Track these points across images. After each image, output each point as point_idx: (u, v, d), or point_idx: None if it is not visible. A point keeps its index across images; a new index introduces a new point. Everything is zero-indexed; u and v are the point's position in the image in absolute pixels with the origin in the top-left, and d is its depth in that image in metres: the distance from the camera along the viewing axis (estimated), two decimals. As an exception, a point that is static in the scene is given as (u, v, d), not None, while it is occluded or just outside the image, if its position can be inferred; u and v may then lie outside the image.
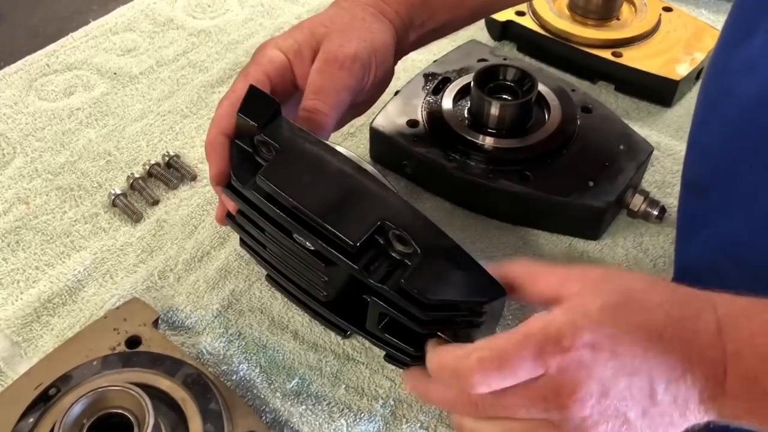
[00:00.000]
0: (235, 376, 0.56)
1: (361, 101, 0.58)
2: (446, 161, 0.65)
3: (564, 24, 0.81)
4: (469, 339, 0.44)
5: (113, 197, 0.68)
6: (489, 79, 0.66)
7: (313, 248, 0.49)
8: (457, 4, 0.61)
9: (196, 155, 0.73)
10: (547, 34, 0.82)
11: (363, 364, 0.57)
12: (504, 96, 0.66)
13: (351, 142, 0.74)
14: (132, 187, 0.69)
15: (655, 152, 0.69)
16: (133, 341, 0.54)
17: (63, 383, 0.51)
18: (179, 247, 0.65)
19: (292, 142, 0.48)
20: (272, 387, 0.56)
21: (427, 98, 0.70)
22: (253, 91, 0.50)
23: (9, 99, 0.78)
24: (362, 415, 0.55)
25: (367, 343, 0.58)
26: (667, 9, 0.83)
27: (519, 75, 0.67)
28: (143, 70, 0.82)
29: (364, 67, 0.54)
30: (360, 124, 0.74)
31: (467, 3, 0.62)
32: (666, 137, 0.75)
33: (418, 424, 0.54)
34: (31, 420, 0.49)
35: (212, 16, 0.90)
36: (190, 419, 0.49)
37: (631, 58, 0.78)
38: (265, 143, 0.49)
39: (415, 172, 0.69)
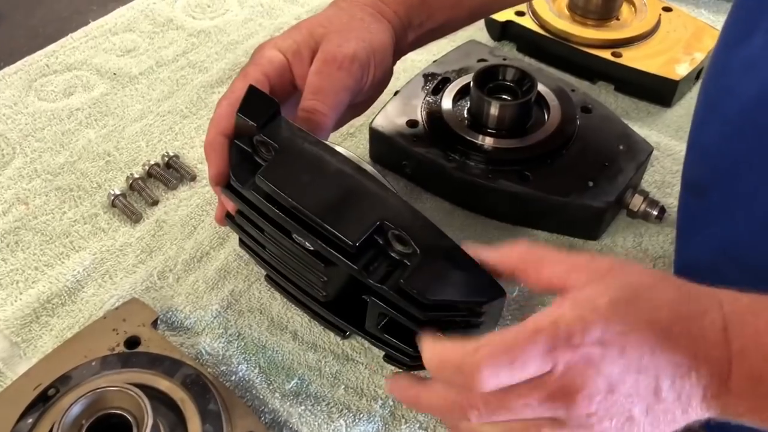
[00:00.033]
0: (234, 377, 0.56)
1: (360, 101, 0.58)
2: (446, 161, 0.65)
3: (564, 24, 0.81)
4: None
5: (112, 198, 0.68)
6: (488, 80, 0.66)
7: (312, 248, 0.49)
8: (455, 4, 0.61)
9: (196, 155, 0.73)
10: (547, 35, 0.82)
11: (362, 364, 0.57)
12: (503, 96, 0.66)
13: (350, 143, 0.74)
14: (131, 187, 0.69)
15: (654, 152, 0.69)
16: (132, 342, 0.54)
17: (62, 384, 0.51)
18: (178, 247, 0.65)
19: (292, 142, 0.48)
20: (271, 387, 0.56)
21: (427, 98, 0.70)
22: (252, 91, 0.50)
23: (9, 99, 0.78)
24: (361, 415, 0.54)
25: (367, 344, 0.58)
26: (667, 9, 0.83)
27: (518, 75, 0.67)
28: (143, 71, 0.82)
29: (362, 68, 0.54)
30: (359, 125, 0.74)
31: (466, 3, 0.62)
32: (666, 137, 0.75)
33: (417, 425, 0.54)
34: (30, 420, 0.49)
35: (212, 17, 0.90)
36: (189, 420, 0.49)
37: (631, 58, 0.78)
38: (265, 143, 0.49)
39: (415, 173, 0.69)
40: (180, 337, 0.58)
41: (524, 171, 0.64)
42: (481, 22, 0.86)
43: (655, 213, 0.65)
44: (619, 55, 0.78)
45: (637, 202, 0.65)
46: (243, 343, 0.58)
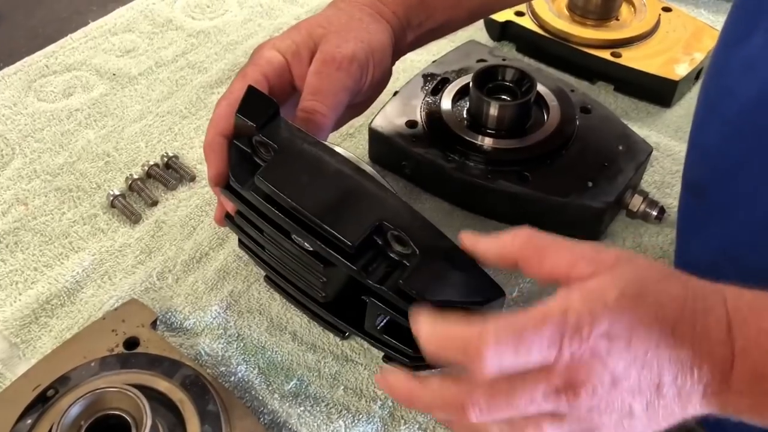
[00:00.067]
0: (233, 377, 0.56)
1: (359, 102, 0.58)
2: (445, 162, 0.65)
3: (563, 24, 0.81)
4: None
5: (112, 198, 0.67)
6: (488, 80, 0.66)
7: (311, 249, 0.49)
8: (455, 4, 0.61)
9: (195, 156, 0.73)
10: (546, 35, 0.82)
11: (362, 365, 0.57)
12: (503, 96, 0.66)
13: (350, 143, 0.74)
14: (131, 188, 0.69)
15: (654, 152, 0.69)
16: (132, 342, 0.54)
17: (61, 384, 0.51)
18: (178, 248, 0.65)
19: (291, 142, 0.48)
20: (270, 388, 0.56)
21: (426, 99, 0.70)
22: (251, 91, 0.50)
23: (8, 100, 0.78)
24: (360, 416, 0.54)
25: (366, 344, 0.58)
26: (667, 9, 0.83)
27: (518, 75, 0.66)
28: (142, 71, 0.82)
29: (361, 68, 0.54)
30: (359, 125, 0.74)
31: (465, 3, 0.62)
32: (665, 137, 0.75)
33: (416, 425, 0.54)
34: (29, 421, 0.49)
35: (211, 17, 0.90)
36: (188, 421, 0.49)
37: (631, 58, 0.78)
38: (264, 144, 0.49)
39: (414, 173, 0.69)
40: (179, 338, 0.58)
41: (523, 171, 0.64)
42: (481, 23, 0.86)
43: (654, 213, 0.65)
44: (618, 56, 0.78)
45: (636, 203, 0.65)
46: (242, 344, 0.58)
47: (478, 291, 0.45)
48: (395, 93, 0.71)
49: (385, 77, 0.59)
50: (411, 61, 0.79)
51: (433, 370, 0.48)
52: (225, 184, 0.52)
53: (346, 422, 0.54)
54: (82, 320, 0.59)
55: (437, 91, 0.70)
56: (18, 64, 0.82)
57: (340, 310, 0.55)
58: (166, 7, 0.91)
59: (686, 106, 0.79)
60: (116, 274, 0.63)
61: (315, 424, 0.54)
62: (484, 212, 0.67)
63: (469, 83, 0.67)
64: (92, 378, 0.51)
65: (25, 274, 0.63)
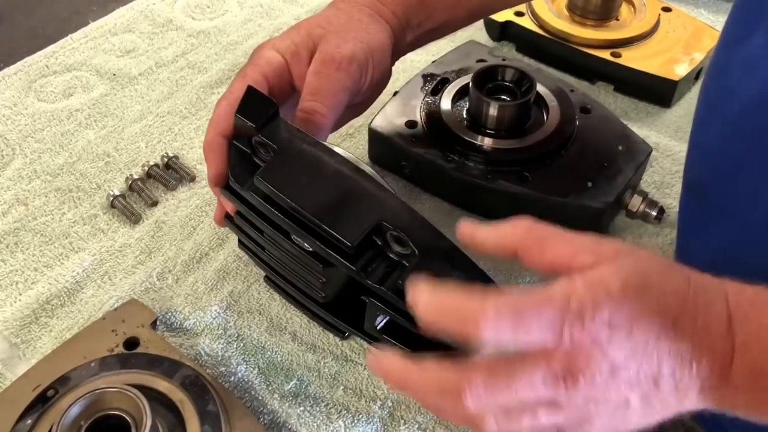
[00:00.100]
0: (233, 378, 0.56)
1: (358, 102, 0.58)
2: (445, 162, 0.65)
3: (563, 24, 0.81)
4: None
5: (112, 198, 0.68)
6: (487, 80, 0.66)
7: (310, 249, 0.49)
8: (454, 4, 0.61)
9: (195, 156, 0.73)
10: (546, 35, 0.82)
11: (361, 365, 0.57)
12: (502, 97, 0.66)
13: (350, 143, 0.74)
14: (131, 188, 0.69)
15: (654, 153, 0.69)
16: (131, 343, 0.54)
17: (61, 385, 0.51)
18: (178, 248, 0.65)
19: (290, 143, 0.48)
20: (270, 388, 0.56)
21: (426, 99, 0.70)
22: (250, 92, 0.50)
23: (8, 100, 0.78)
24: (360, 416, 0.54)
25: (366, 345, 0.58)
26: (666, 9, 0.83)
27: (517, 75, 0.66)
28: (142, 71, 0.82)
29: (360, 68, 0.54)
30: (359, 125, 0.74)
31: (465, 4, 0.62)
32: (665, 138, 0.75)
33: (416, 426, 0.54)
34: (29, 421, 0.49)
35: (211, 17, 0.90)
36: (187, 421, 0.49)
37: (630, 58, 0.78)
38: (263, 144, 0.49)
39: (414, 173, 0.69)
40: (179, 338, 0.58)
41: (523, 171, 0.64)
42: (481, 23, 0.86)
43: (654, 213, 0.65)
44: (618, 56, 0.78)
45: (636, 203, 0.65)
46: (242, 344, 0.58)
47: (478, 291, 0.45)
48: (395, 93, 0.71)
49: (385, 77, 0.59)
50: (411, 61, 0.79)
51: None
52: (224, 185, 0.52)
53: (346, 422, 0.54)
54: (82, 320, 0.59)
55: (437, 91, 0.70)
56: (18, 64, 0.82)
57: (340, 311, 0.55)
58: (166, 7, 0.91)
59: (686, 106, 0.79)
60: (116, 275, 0.63)
61: (315, 424, 0.54)
62: (483, 212, 0.67)
63: (468, 83, 0.67)
64: (92, 378, 0.51)
65: (25, 274, 0.63)
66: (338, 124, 0.58)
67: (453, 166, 0.65)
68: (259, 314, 0.60)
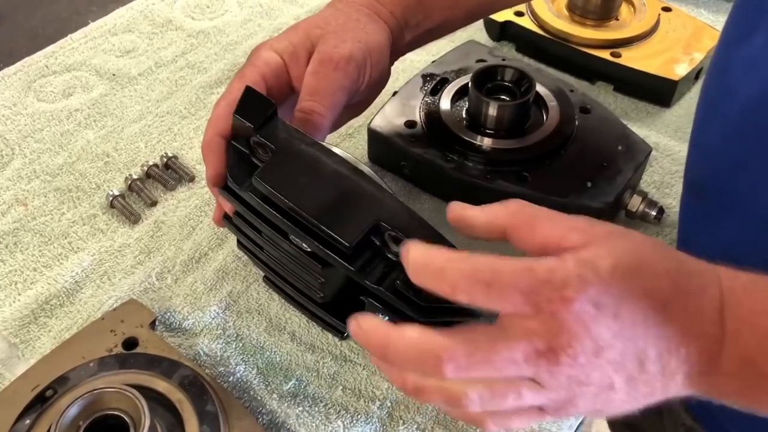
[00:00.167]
0: (232, 378, 0.56)
1: (357, 102, 0.58)
2: (444, 162, 0.65)
3: (563, 24, 0.81)
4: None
5: (111, 198, 0.68)
6: (487, 80, 0.66)
7: (309, 250, 0.49)
8: (452, 4, 0.61)
9: (195, 156, 0.73)
10: (546, 35, 0.81)
11: (360, 365, 0.57)
12: (502, 97, 0.66)
13: (349, 143, 0.74)
14: (130, 188, 0.69)
15: (653, 153, 0.69)
16: (130, 343, 0.54)
17: (60, 385, 0.51)
18: (177, 248, 0.65)
19: (288, 143, 0.48)
20: (269, 388, 0.56)
21: (425, 99, 0.70)
22: (249, 92, 0.50)
23: (8, 100, 0.78)
24: (359, 416, 0.54)
25: (365, 345, 0.58)
26: (666, 9, 0.83)
27: (517, 75, 0.66)
28: (142, 71, 0.82)
29: (359, 68, 0.54)
30: (358, 125, 0.74)
31: (463, 4, 0.62)
32: (665, 138, 0.75)
33: (415, 426, 0.54)
34: (28, 422, 0.49)
35: (211, 17, 0.90)
36: (186, 421, 0.49)
37: (630, 58, 0.78)
38: (262, 144, 0.49)
39: (413, 173, 0.69)
40: (178, 338, 0.58)
41: (522, 172, 0.64)
42: (480, 23, 0.86)
43: (653, 213, 0.65)
44: (618, 55, 0.78)
45: (635, 203, 0.65)
46: (241, 344, 0.58)
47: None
48: (394, 93, 0.71)
49: (383, 77, 0.59)
50: (410, 61, 0.79)
51: None
52: (223, 185, 0.52)
53: (345, 422, 0.54)
54: (81, 320, 0.59)
55: (436, 91, 0.70)
56: (18, 64, 0.83)
57: (339, 311, 0.55)
58: (166, 7, 0.91)
59: (686, 106, 0.79)
60: (115, 275, 0.63)
61: (313, 424, 0.54)
62: (483, 212, 0.67)
63: (468, 83, 0.66)
64: (91, 378, 0.51)
65: (24, 274, 0.63)
66: (337, 124, 0.58)
67: (452, 166, 0.65)
68: (258, 314, 0.60)
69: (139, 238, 0.66)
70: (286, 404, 0.55)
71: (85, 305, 0.61)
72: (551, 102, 0.68)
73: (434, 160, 0.66)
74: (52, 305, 0.61)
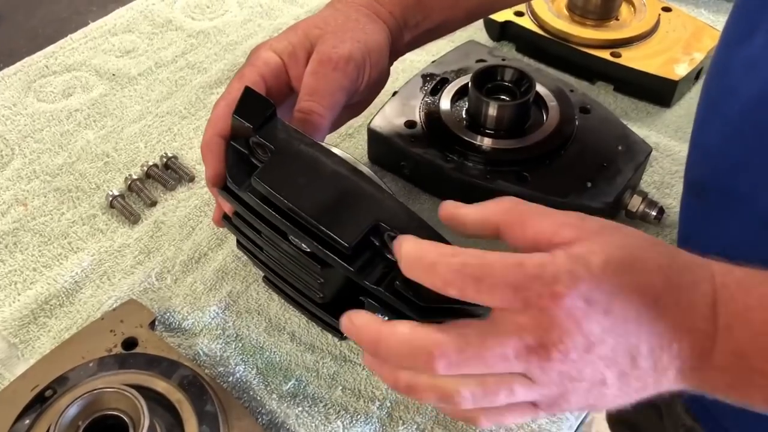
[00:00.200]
0: (231, 378, 0.56)
1: (356, 102, 0.58)
2: (444, 162, 0.65)
3: (563, 24, 0.81)
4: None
5: (111, 198, 0.68)
6: (487, 80, 0.66)
7: (308, 250, 0.49)
8: (452, 4, 0.61)
9: (194, 156, 0.73)
10: (546, 35, 0.81)
11: (360, 365, 0.57)
12: (502, 97, 0.66)
13: (349, 143, 0.74)
14: (130, 188, 0.69)
15: (653, 153, 0.69)
16: (130, 343, 0.54)
17: (59, 385, 0.51)
18: (177, 248, 0.65)
19: (288, 143, 0.48)
20: (269, 389, 0.56)
21: (425, 99, 0.70)
22: (248, 92, 0.50)
23: (8, 100, 0.78)
24: (359, 416, 0.54)
25: (364, 345, 0.58)
26: (667, 9, 0.83)
27: (517, 75, 0.66)
28: (142, 72, 0.82)
29: (358, 68, 0.54)
30: (358, 125, 0.74)
31: (462, 4, 0.62)
32: (665, 138, 0.75)
33: (414, 426, 0.54)
34: (27, 422, 0.49)
35: (211, 18, 0.90)
36: (186, 421, 0.49)
37: (630, 58, 0.78)
38: (261, 145, 0.49)
39: (413, 173, 0.69)
40: (177, 338, 0.58)
41: (522, 172, 0.64)
42: (480, 23, 0.86)
43: (653, 213, 0.65)
44: (618, 56, 0.78)
45: (635, 203, 0.65)
46: (241, 344, 0.58)
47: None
48: (394, 93, 0.71)
49: (383, 77, 0.59)
50: (410, 61, 0.79)
51: None
52: (222, 185, 0.52)
53: (344, 423, 0.54)
54: (81, 320, 0.59)
55: (436, 91, 0.70)
56: (18, 64, 0.83)
57: (338, 311, 0.54)
58: (166, 7, 0.91)
59: (686, 106, 0.79)
60: (115, 275, 0.63)
61: (313, 424, 0.54)
62: (482, 212, 0.67)
63: (468, 83, 0.66)
64: (90, 378, 0.51)
65: (24, 274, 0.63)
66: (336, 125, 0.58)
67: (452, 167, 0.65)
68: (258, 314, 0.60)
69: (139, 239, 0.66)
70: (285, 404, 0.55)
71: (85, 305, 0.61)
72: (551, 102, 0.68)
73: (434, 161, 0.66)
74: (51, 305, 0.61)
